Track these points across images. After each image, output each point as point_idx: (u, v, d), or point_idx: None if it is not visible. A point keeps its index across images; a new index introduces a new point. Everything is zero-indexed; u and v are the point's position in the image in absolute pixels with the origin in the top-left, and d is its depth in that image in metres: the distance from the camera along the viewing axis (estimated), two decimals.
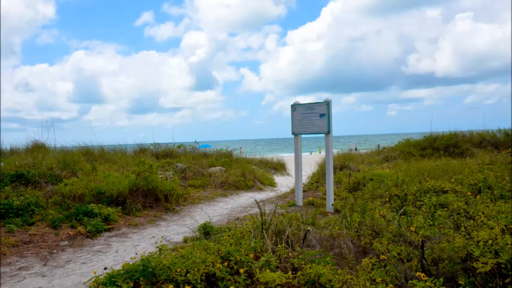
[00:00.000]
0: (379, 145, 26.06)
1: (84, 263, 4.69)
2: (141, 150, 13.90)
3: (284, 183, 12.98)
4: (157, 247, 3.83)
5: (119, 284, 3.06)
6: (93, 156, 10.89)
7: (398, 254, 3.39)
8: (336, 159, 11.72)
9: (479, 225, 3.71)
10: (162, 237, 5.63)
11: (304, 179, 9.90)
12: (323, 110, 6.89)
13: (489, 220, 3.75)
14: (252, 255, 3.47)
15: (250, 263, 3.33)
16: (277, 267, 3.38)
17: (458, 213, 4.51)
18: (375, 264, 3.20)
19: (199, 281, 3.04)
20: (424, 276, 2.84)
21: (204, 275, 3.13)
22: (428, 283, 2.72)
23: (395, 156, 13.25)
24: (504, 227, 3.40)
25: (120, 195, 7.16)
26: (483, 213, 4.22)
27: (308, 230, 4.05)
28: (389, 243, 3.57)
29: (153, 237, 5.75)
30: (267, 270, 3.20)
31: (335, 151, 14.16)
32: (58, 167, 8.54)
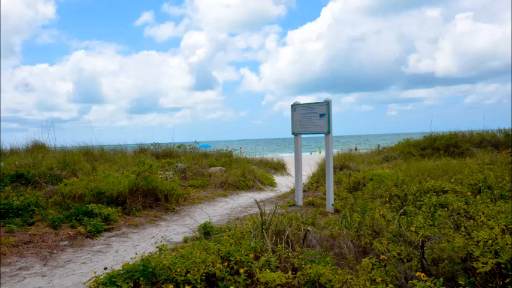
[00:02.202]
0: (379, 145, 26.07)
1: (84, 263, 4.69)
2: (141, 150, 13.90)
3: (284, 183, 12.98)
4: (157, 247, 3.83)
5: (119, 284, 3.06)
6: (93, 156, 10.89)
7: (398, 254, 3.39)
8: (336, 159, 11.72)
9: (479, 225, 3.71)
10: (162, 237, 5.63)
11: (304, 179, 9.90)
12: (323, 110, 6.89)
13: (489, 220, 3.75)
14: (252, 255, 3.47)
15: (250, 263, 3.33)
16: (277, 267, 3.38)
17: (458, 213, 4.51)
18: (374, 264, 3.20)
19: (199, 281, 3.04)
20: (424, 276, 2.84)
21: (204, 275, 3.13)
22: (428, 283, 2.72)
23: (396, 156, 13.25)
24: (504, 227, 3.40)
25: (120, 195, 7.16)
26: (483, 213, 4.22)
27: (308, 230, 4.05)
28: (389, 243, 3.57)
29: (153, 237, 5.75)
30: (267, 270, 3.20)
31: (335, 151, 14.16)
32: (58, 167, 8.54)
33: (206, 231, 5.16)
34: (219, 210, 8.03)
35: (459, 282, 2.97)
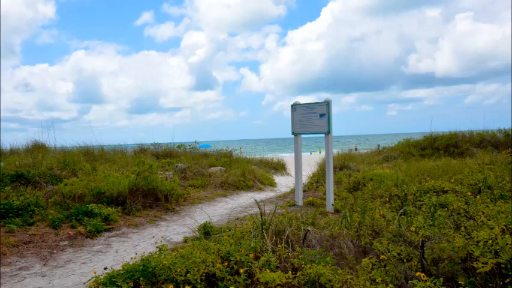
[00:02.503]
0: (379, 145, 26.07)
1: (84, 263, 4.69)
2: (141, 150, 13.91)
3: (284, 183, 12.98)
4: (157, 247, 3.83)
5: (119, 284, 3.06)
6: (93, 156, 10.89)
7: (398, 254, 3.39)
8: (336, 159, 11.72)
9: (479, 225, 3.71)
10: (162, 237, 5.63)
11: (304, 179, 9.90)
12: (323, 110, 6.89)
13: (489, 220, 3.75)
14: (252, 255, 3.47)
15: (250, 263, 3.33)
16: (277, 267, 3.38)
17: (458, 213, 4.51)
18: (374, 264, 3.20)
19: (199, 281, 3.04)
20: (424, 276, 2.84)
21: (204, 275, 3.13)
22: (428, 283, 2.72)
23: (396, 156, 13.25)
24: (504, 227, 3.40)
25: (120, 195, 7.16)
26: (483, 213, 4.22)
27: (308, 230, 4.05)
28: (389, 243, 3.57)
29: (153, 237, 5.75)
30: (267, 270, 3.20)
31: (335, 151, 14.16)
32: (58, 167, 8.54)
33: (206, 231, 5.16)
34: (219, 210, 8.03)
35: (459, 282, 2.97)
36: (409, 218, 4.28)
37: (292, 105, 7.42)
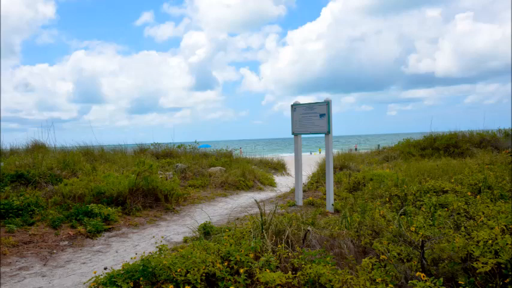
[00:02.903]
0: (379, 145, 26.07)
1: (84, 263, 4.70)
2: (141, 150, 13.91)
3: (284, 183, 12.98)
4: (157, 247, 3.83)
5: (119, 284, 3.06)
6: (93, 156, 10.89)
7: (398, 254, 3.39)
8: (336, 159, 11.72)
9: (479, 225, 3.71)
10: (162, 237, 5.63)
11: (304, 179, 9.90)
12: (323, 110, 6.89)
13: (489, 220, 3.75)
14: (252, 255, 3.47)
15: (250, 263, 3.33)
16: (277, 267, 3.38)
17: (458, 213, 4.51)
18: (375, 264, 3.20)
19: (199, 281, 3.04)
20: (424, 276, 2.84)
21: (204, 275, 3.13)
22: (428, 283, 2.72)
23: (395, 156, 13.25)
24: (504, 227, 3.40)
25: (120, 195, 7.16)
26: (483, 213, 4.22)
27: (308, 230, 4.05)
28: (389, 243, 3.57)
29: (153, 237, 5.75)
30: (267, 270, 3.20)
31: (335, 151, 14.16)
32: (58, 167, 8.54)
33: (206, 231, 5.16)
34: (219, 210, 8.03)
35: (459, 282, 2.97)
36: (409, 218, 4.28)
37: (292, 105, 7.42)
